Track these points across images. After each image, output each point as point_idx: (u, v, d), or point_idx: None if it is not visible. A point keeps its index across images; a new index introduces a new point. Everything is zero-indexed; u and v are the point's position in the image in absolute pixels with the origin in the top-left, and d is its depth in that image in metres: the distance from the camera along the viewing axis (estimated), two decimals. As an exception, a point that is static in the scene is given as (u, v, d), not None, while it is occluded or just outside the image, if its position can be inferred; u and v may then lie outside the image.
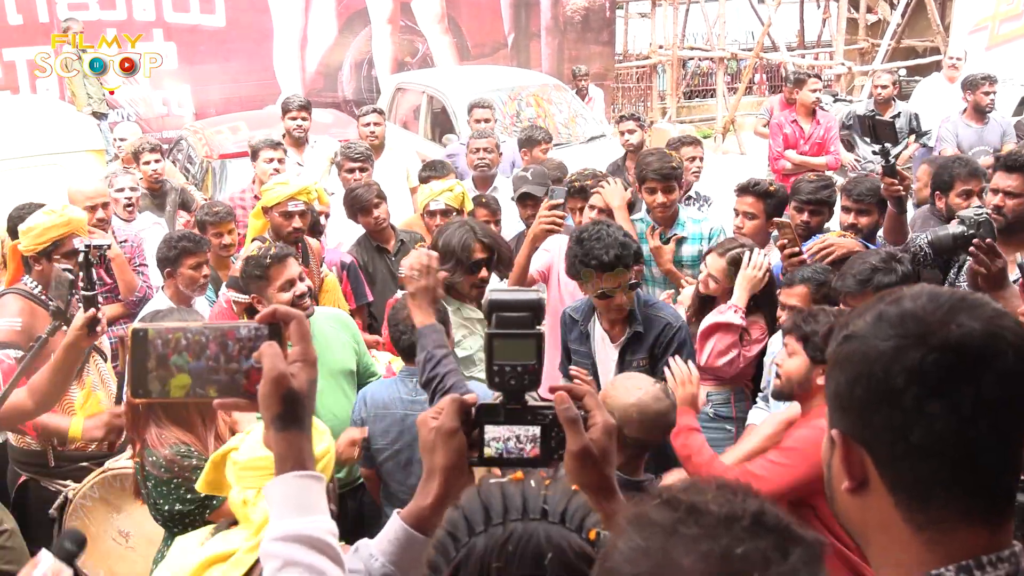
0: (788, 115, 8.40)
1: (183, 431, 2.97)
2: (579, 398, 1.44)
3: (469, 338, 4.10)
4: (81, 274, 3.63)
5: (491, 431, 1.42)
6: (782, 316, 3.86)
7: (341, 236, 6.24)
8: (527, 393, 1.44)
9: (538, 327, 1.44)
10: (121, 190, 6.16)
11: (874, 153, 5.14)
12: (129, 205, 6.22)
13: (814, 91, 8.26)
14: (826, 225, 4.84)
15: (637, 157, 5.83)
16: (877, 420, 1.13)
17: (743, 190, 4.84)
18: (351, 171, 6.34)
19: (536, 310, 1.44)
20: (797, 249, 4.27)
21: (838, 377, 1.18)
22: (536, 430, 1.41)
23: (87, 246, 3.70)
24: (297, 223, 5.04)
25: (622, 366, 3.81)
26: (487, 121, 7.75)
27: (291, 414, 1.38)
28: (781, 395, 3.32)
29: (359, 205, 5.64)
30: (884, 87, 8.49)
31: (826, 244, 4.22)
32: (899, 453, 1.12)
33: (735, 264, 4.16)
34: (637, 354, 3.81)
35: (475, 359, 4.04)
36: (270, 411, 1.37)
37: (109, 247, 4.46)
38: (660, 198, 4.81)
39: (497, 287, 1.44)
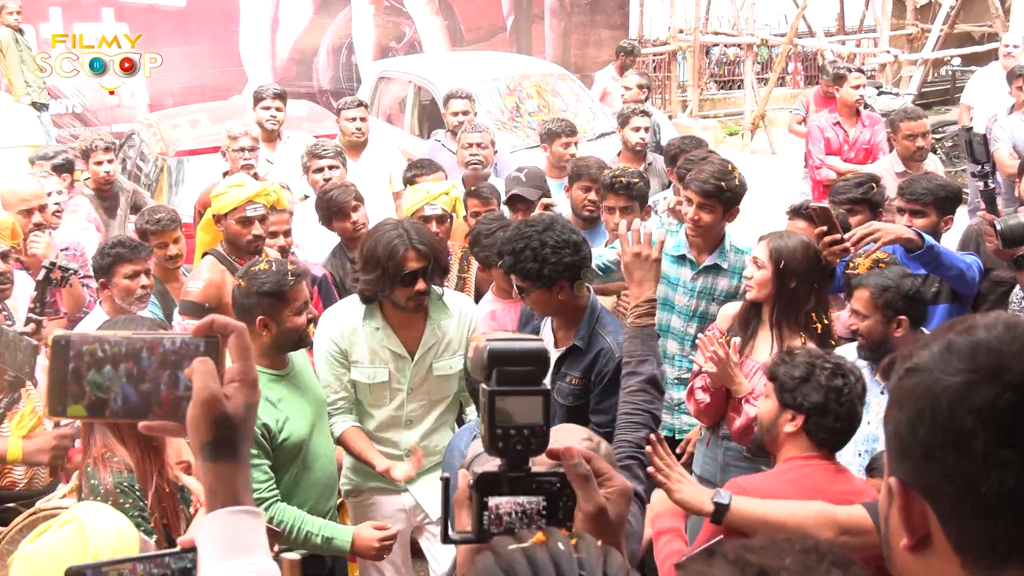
0: (830, 116, 8.27)
1: (130, 452, 2.94)
2: (587, 461, 1.43)
3: (388, 364, 4.14)
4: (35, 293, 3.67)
5: (494, 504, 1.40)
6: (849, 320, 4.03)
7: (312, 246, 6.13)
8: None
9: (544, 383, 1.45)
10: (48, 194, 6.13)
11: (972, 175, 5.11)
12: (59, 211, 6.19)
13: (857, 87, 8.07)
14: None
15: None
16: (941, 467, 1.09)
17: (796, 213, 4.76)
18: (319, 170, 6.29)
19: (541, 363, 1.45)
20: (838, 236, 4.23)
21: (898, 416, 1.14)
22: (542, 500, 1.40)
23: (51, 264, 3.72)
24: (257, 230, 4.97)
25: (555, 376, 3.86)
26: (466, 113, 7.75)
27: (223, 442, 1.35)
28: (757, 444, 3.35)
29: (335, 208, 5.53)
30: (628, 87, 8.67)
31: (871, 229, 4.16)
32: (966, 507, 1.08)
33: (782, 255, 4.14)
34: (573, 370, 3.87)
35: (389, 387, 4.11)
36: (199, 438, 1.35)
37: (76, 272, 4.47)
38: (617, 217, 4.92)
39: (496, 336, 1.45)
